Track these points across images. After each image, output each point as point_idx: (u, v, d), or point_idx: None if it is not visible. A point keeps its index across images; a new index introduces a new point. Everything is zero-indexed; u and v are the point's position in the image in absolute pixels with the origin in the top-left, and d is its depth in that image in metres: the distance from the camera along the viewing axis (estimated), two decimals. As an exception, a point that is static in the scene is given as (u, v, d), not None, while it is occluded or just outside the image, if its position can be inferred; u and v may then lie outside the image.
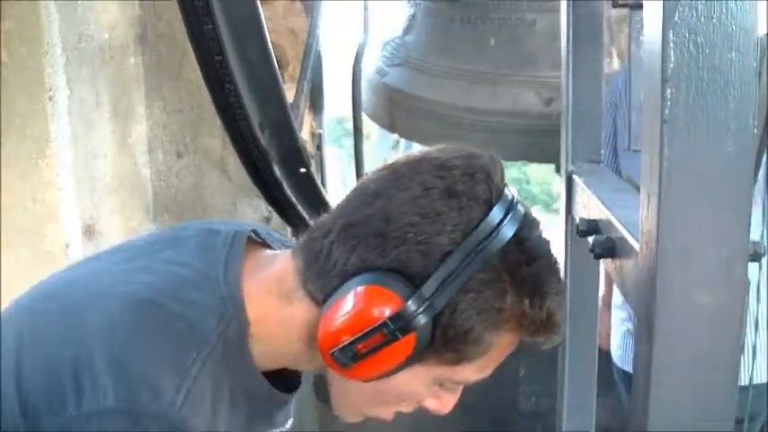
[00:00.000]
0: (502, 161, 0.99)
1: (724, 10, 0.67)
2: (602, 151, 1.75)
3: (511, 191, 0.97)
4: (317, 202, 2.55)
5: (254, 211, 2.93)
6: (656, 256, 0.73)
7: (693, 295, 0.73)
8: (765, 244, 1.99)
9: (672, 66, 0.66)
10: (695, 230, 0.71)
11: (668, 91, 0.67)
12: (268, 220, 2.89)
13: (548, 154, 2.72)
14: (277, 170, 2.24)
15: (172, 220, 2.92)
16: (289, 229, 2.64)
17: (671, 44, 0.66)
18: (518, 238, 0.95)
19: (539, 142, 2.67)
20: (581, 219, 1.16)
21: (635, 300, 0.87)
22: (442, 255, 0.92)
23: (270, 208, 2.67)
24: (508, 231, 0.94)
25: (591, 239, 1.10)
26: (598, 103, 1.46)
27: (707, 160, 0.68)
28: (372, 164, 4.09)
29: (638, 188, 1.24)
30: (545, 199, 12.00)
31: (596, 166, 1.45)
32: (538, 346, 1.00)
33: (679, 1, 0.66)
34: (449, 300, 0.92)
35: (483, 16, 2.70)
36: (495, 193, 0.95)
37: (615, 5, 0.92)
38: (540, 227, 1.00)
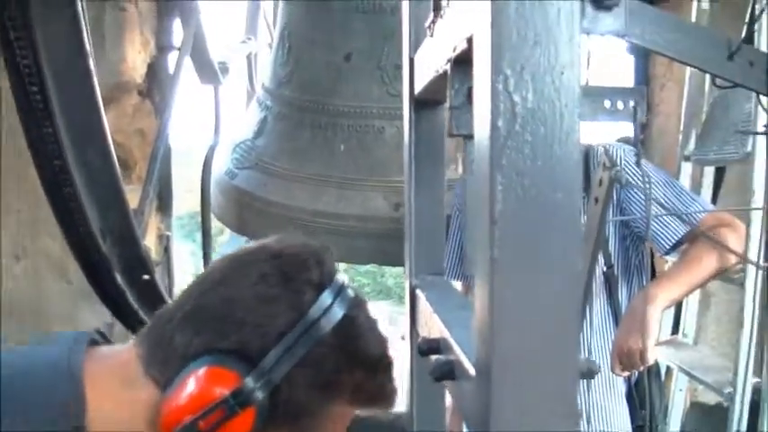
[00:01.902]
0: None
1: (548, 153, 0.69)
2: (445, 260, 1.77)
3: (341, 276, 1.08)
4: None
5: (96, 318, 2.81)
6: (490, 386, 0.73)
7: (526, 425, 0.74)
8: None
9: (499, 207, 0.68)
10: (527, 364, 0.72)
11: (497, 232, 0.68)
12: (111, 326, 2.77)
13: (396, 258, 2.75)
14: (119, 278, 2.17)
15: (7, 327, 2.75)
16: (132, 338, 2.54)
17: (499, 186, 0.68)
18: (348, 318, 1.05)
19: (387, 246, 2.71)
20: (423, 338, 1.17)
21: (473, 425, 0.88)
22: (278, 334, 1.00)
23: (113, 314, 2.57)
24: (339, 311, 1.04)
25: (433, 359, 1.10)
26: (440, 218, 1.49)
27: (536, 298, 0.70)
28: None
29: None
30: (399, 292, 12.20)
31: (439, 279, 1.46)
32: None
33: (506, 144, 0.68)
34: (285, 374, 0.99)
35: (333, 123, 2.75)
36: (326, 277, 1.05)
37: (450, 135, 0.95)
38: (369, 307, 1.11)
